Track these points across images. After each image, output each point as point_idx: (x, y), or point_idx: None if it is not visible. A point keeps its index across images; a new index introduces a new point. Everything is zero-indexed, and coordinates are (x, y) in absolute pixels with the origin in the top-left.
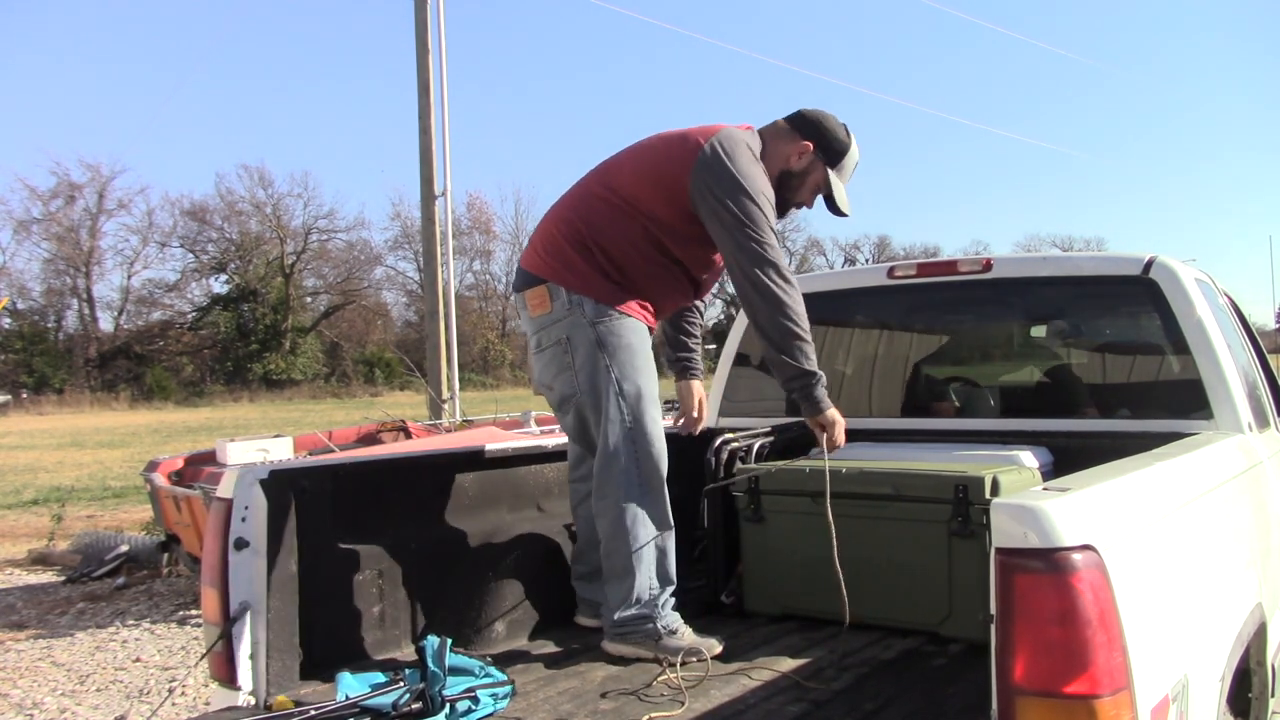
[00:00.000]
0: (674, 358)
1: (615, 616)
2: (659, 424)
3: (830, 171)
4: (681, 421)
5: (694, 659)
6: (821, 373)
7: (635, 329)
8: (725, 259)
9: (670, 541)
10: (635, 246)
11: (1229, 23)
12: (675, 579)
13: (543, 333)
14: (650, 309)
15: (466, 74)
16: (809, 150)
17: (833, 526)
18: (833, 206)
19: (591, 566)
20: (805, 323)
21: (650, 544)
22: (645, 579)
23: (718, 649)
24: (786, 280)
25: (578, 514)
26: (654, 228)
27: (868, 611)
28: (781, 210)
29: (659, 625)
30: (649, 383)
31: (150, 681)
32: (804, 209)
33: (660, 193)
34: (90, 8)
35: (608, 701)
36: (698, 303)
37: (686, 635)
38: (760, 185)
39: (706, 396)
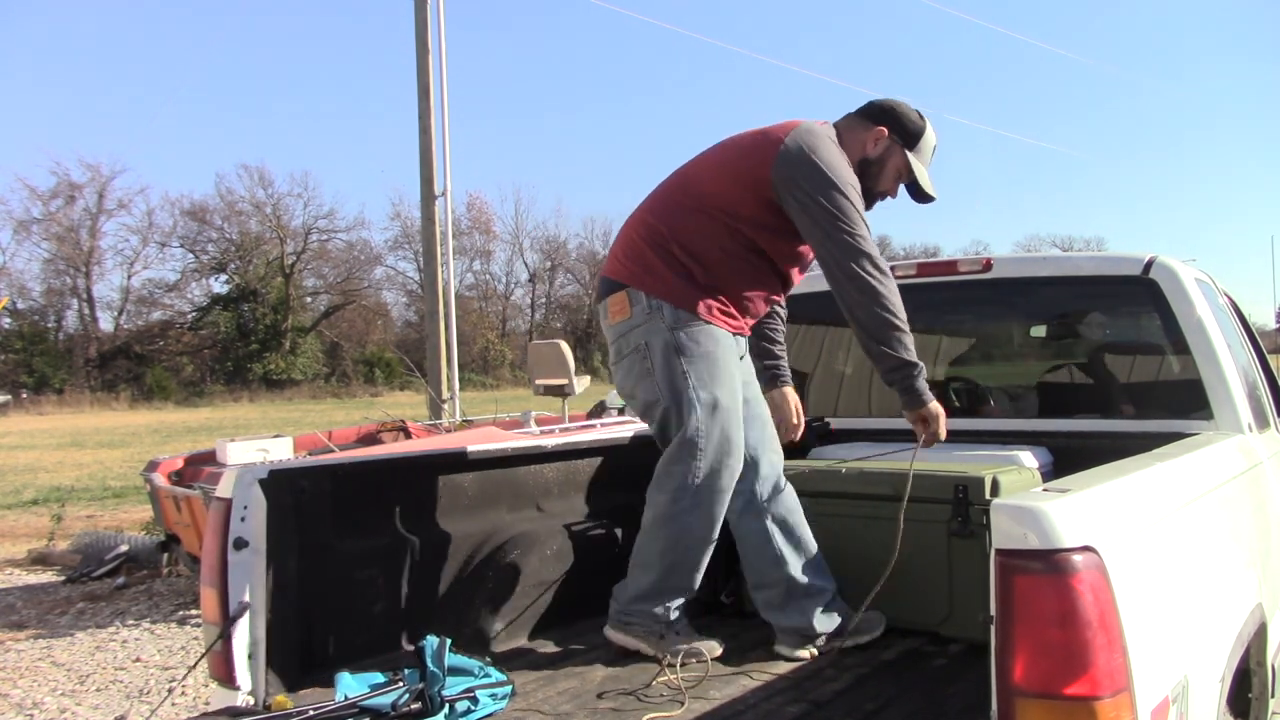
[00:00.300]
0: (761, 366)
1: (625, 604)
2: (733, 439)
3: (909, 154)
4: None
5: (694, 660)
6: (922, 364)
7: (716, 337)
8: (816, 252)
9: (706, 556)
10: (719, 244)
11: (1230, 23)
12: (695, 590)
13: (622, 339)
14: (737, 313)
15: (466, 74)
16: (884, 135)
17: (900, 528)
18: (916, 192)
19: (779, 589)
20: (902, 313)
21: (684, 552)
22: (665, 579)
23: (718, 650)
24: (881, 271)
25: (739, 531)
26: (738, 223)
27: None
28: (868, 202)
29: (663, 624)
30: (726, 394)
31: (150, 681)
32: (889, 199)
33: (743, 189)
34: (90, 7)
35: (607, 701)
36: (779, 308)
37: (688, 637)
38: (847, 176)
39: (802, 402)
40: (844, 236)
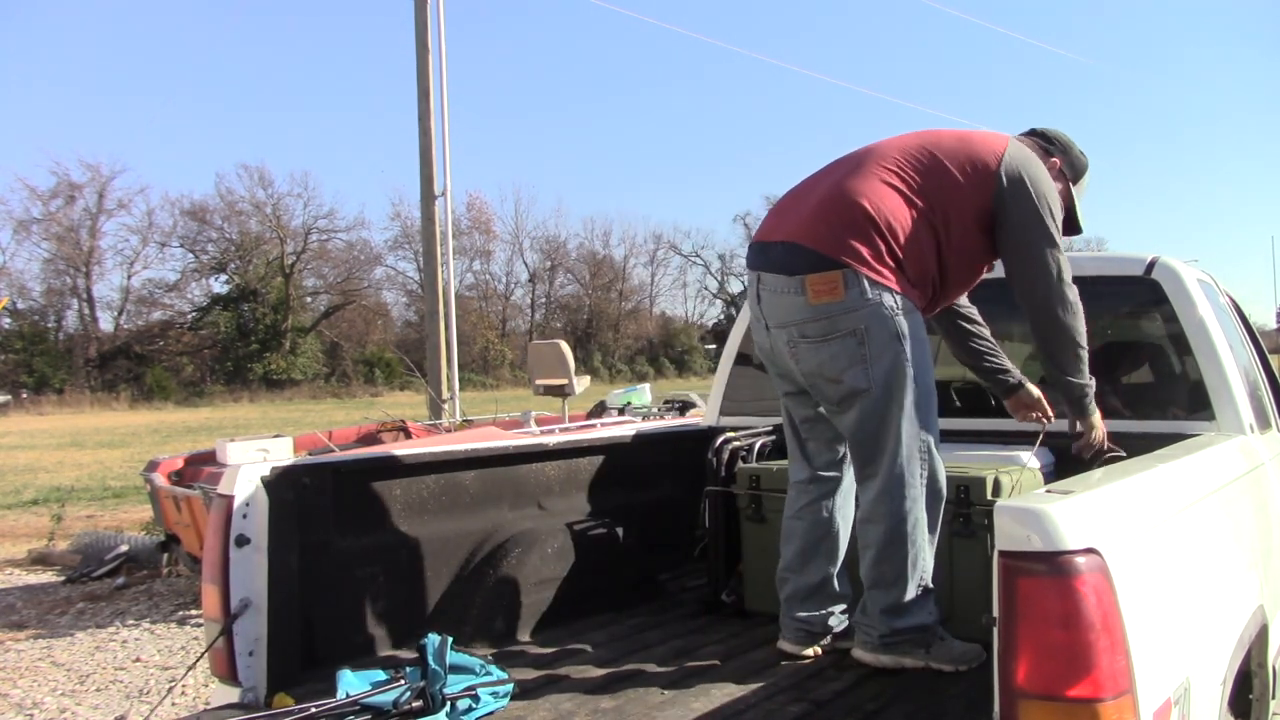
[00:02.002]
0: (990, 375)
1: (886, 628)
2: (937, 423)
3: (1073, 189)
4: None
5: (964, 666)
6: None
7: (923, 323)
8: (1016, 265)
9: (935, 544)
10: (920, 243)
11: (1231, 25)
12: (932, 584)
13: (828, 321)
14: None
15: (466, 74)
16: (1056, 167)
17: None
18: (1072, 224)
19: (810, 583)
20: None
21: (925, 550)
22: (917, 587)
23: (983, 656)
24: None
25: (795, 523)
26: (943, 231)
27: None
28: None
29: (930, 633)
30: (932, 379)
31: (150, 681)
32: None
33: (960, 214)
34: (90, 7)
35: (608, 700)
36: (974, 322)
37: (953, 643)
38: (1057, 206)
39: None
40: (1052, 258)
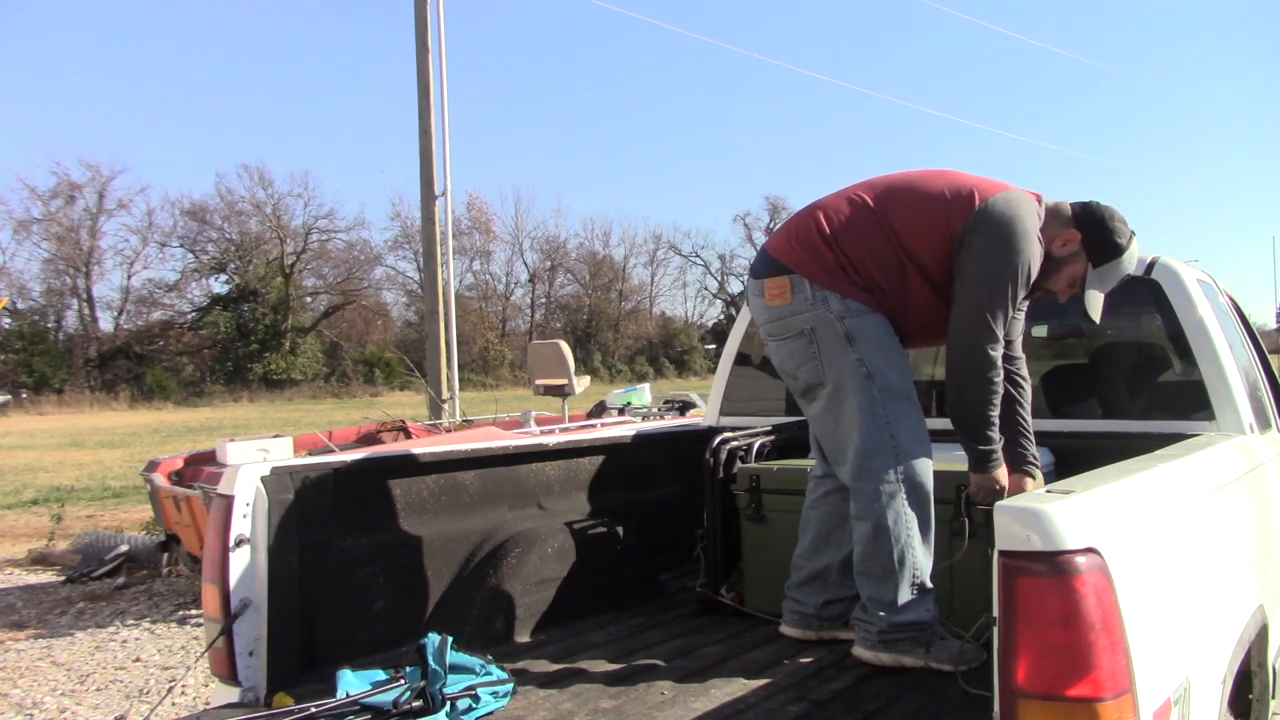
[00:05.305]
0: (1004, 437)
1: (884, 624)
2: (916, 420)
3: (1091, 270)
4: None
5: (964, 667)
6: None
7: (882, 323)
8: (956, 297)
9: (931, 542)
10: (885, 272)
11: (1230, 23)
12: (931, 584)
13: (781, 323)
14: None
15: (466, 74)
16: (1075, 240)
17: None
18: (1083, 309)
19: (815, 569)
20: (995, 407)
21: (913, 545)
22: (909, 583)
23: (983, 656)
24: (994, 365)
25: (810, 513)
26: (909, 263)
27: None
28: (1032, 292)
29: (929, 633)
30: (901, 377)
31: (150, 681)
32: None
33: (928, 233)
34: (90, 7)
35: (608, 700)
36: (1019, 375)
37: (953, 643)
38: (1029, 253)
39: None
40: (984, 314)
